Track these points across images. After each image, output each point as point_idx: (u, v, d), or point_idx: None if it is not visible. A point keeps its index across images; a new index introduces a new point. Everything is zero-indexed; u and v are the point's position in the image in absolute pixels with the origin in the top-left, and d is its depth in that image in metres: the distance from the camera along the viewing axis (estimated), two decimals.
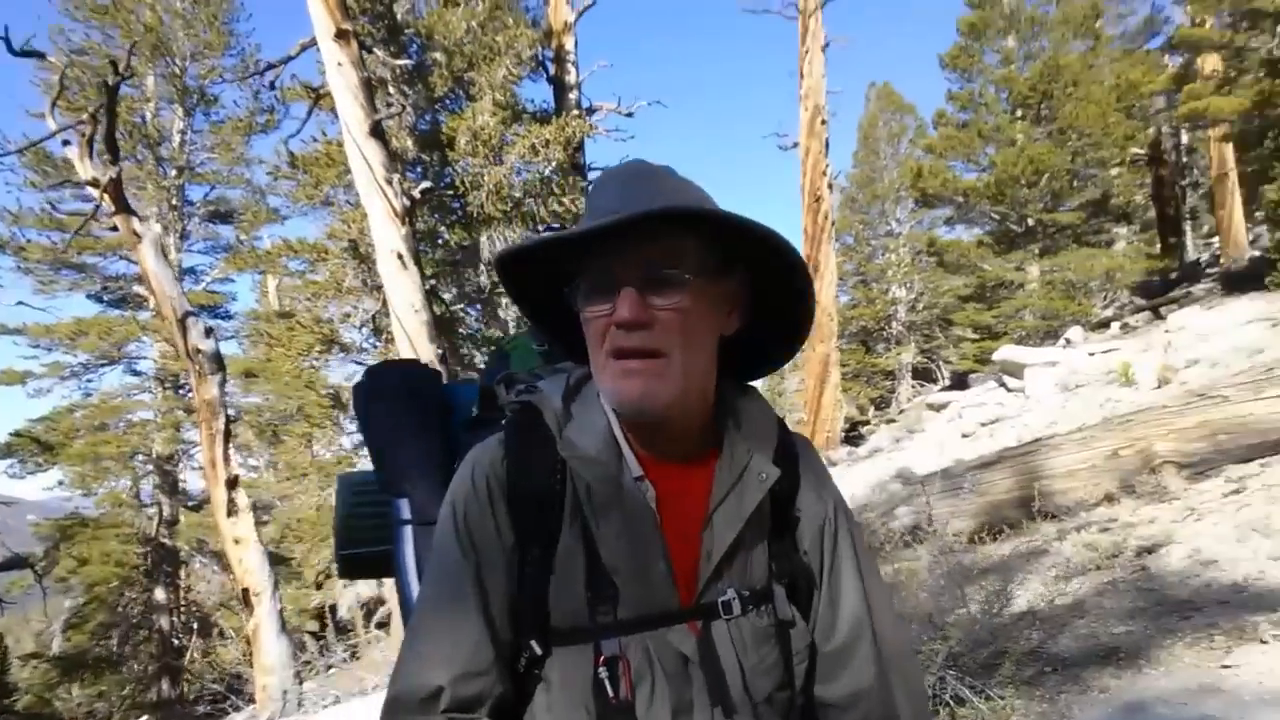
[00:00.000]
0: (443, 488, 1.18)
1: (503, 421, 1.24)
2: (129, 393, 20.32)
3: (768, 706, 1.11)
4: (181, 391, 20.01)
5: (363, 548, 1.56)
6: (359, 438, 14.45)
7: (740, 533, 1.11)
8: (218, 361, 9.43)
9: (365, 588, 12.03)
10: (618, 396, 1.06)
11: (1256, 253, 20.02)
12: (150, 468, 19.84)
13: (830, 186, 20.40)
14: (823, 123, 20.10)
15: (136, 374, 20.72)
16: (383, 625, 12.23)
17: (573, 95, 18.82)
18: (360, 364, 14.36)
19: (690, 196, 1.09)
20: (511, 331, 15.46)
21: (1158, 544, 4.96)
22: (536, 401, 1.18)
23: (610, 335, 1.05)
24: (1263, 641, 3.31)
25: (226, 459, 9.06)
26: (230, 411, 10.36)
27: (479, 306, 15.29)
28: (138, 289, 19.94)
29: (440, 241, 14.47)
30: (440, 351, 11.79)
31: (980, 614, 4.20)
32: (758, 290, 1.16)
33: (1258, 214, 22.27)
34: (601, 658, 1.06)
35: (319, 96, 13.28)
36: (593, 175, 18.41)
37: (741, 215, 1.04)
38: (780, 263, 1.11)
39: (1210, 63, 20.09)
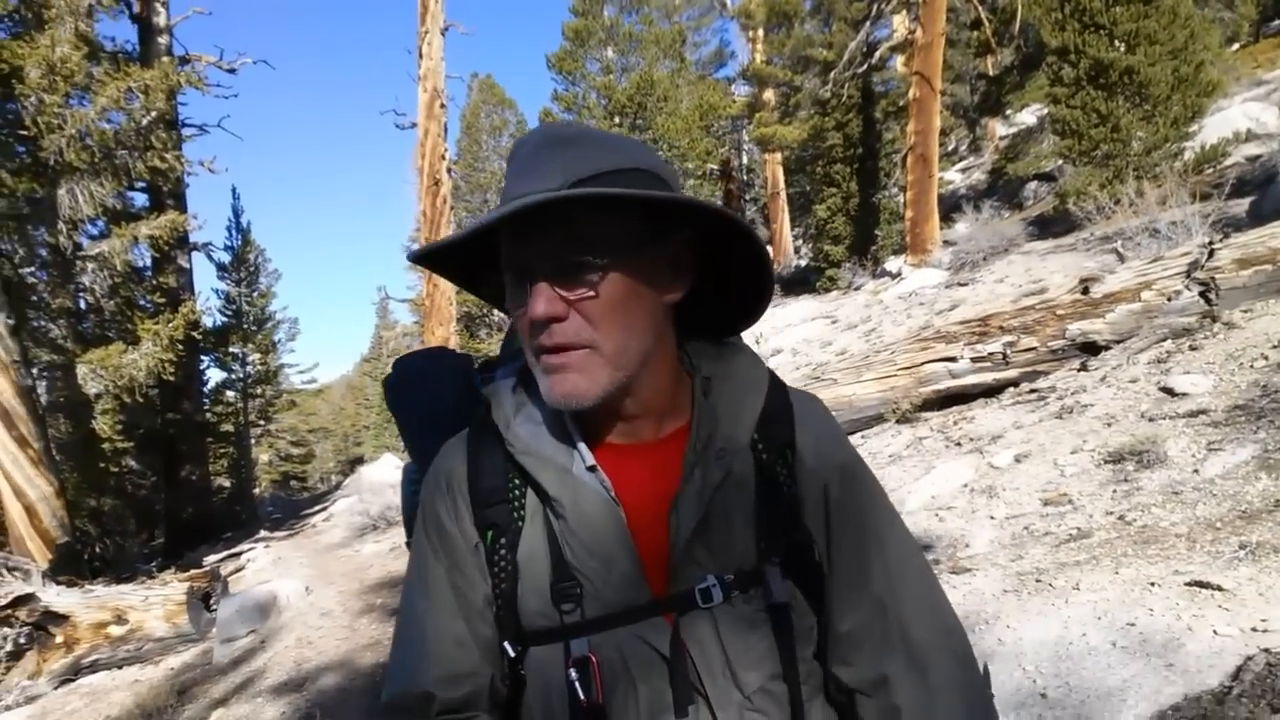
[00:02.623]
0: None
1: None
2: None
3: (766, 698, 1.02)
4: None
5: None
6: None
7: (707, 511, 1.01)
8: None
9: None
10: (548, 395, 0.99)
11: (801, 261, 23.89)
12: None
13: (449, 171, 20.45)
14: (442, 106, 20.01)
15: None
16: None
17: (163, 40, 16.83)
18: None
19: (612, 160, 0.97)
20: (102, 300, 13.44)
21: None
22: (488, 394, 1.12)
23: (531, 331, 0.97)
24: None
25: None
26: None
27: (51, 271, 13.03)
28: None
29: (3, 190, 12.08)
30: (11, 322, 9.99)
31: None
32: (707, 247, 1.05)
33: (797, 229, 26.62)
34: (571, 659, 0.99)
35: None
36: (189, 132, 16.65)
37: (656, 193, 0.95)
38: (718, 222, 1.01)
39: (770, 96, 23.56)
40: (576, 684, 0.98)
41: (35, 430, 10.26)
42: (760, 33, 24.96)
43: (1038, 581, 3.37)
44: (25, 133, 11.69)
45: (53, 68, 11.60)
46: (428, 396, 1.31)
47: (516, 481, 1.06)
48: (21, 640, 8.45)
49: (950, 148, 29.42)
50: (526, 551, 1.03)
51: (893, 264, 16.71)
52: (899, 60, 19.89)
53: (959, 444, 5.98)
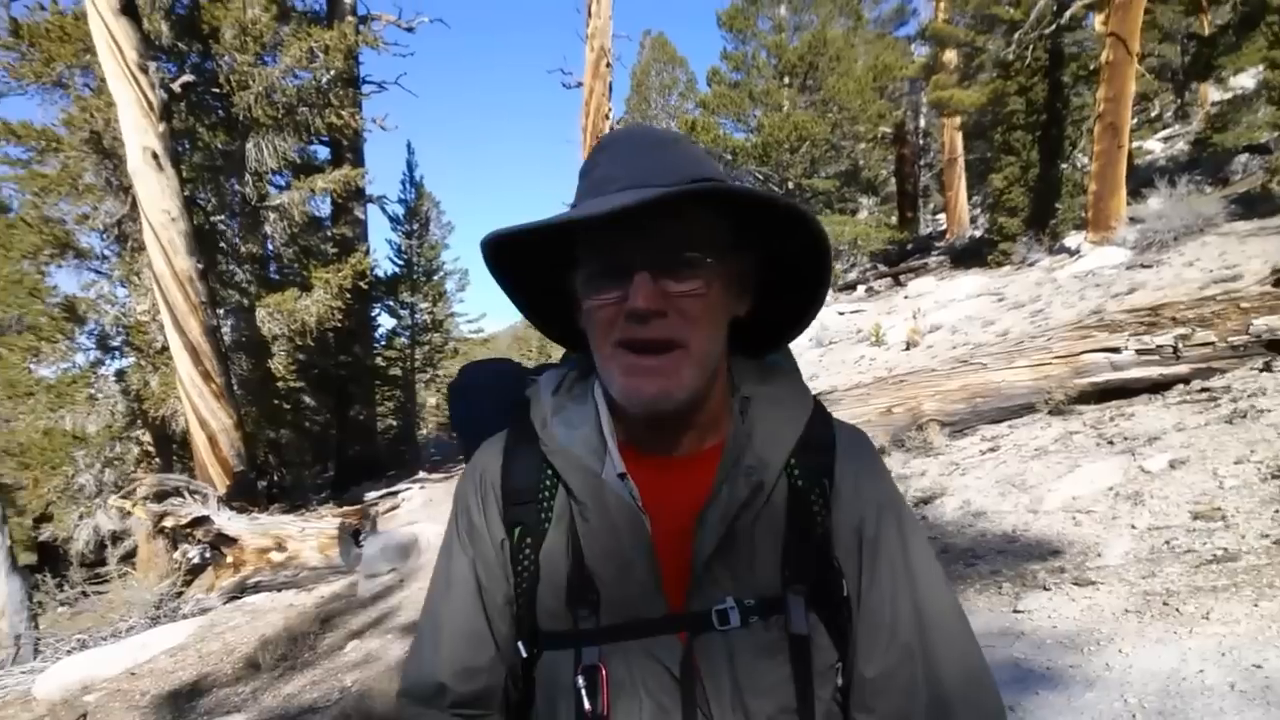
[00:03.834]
0: None
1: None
2: None
3: None
4: None
5: None
6: (96, 354, 12.99)
7: (732, 532, 0.99)
8: None
9: (106, 520, 10.95)
10: (629, 394, 0.98)
11: (976, 232, 22.63)
12: None
13: (612, 130, 20.56)
14: (608, 65, 20.08)
15: None
16: (128, 558, 11.20)
17: (348, 0, 17.63)
18: (100, 272, 12.83)
19: (707, 169, 1.00)
20: (281, 248, 14.43)
21: (933, 495, 5.51)
22: (529, 394, 1.13)
23: (620, 325, 0.96)
24: (1045, 589, 3.72)
25: None
26: None
27: (241, 219, 14.06)
28: None
29: (199, 144, 13.09)
30: (200, 266, 10.82)
31: None
32: (766, 266, 1.07)
33: (975, 198, 25.20)
34: (580, 666, 0.99)
35: None
36: (369, 89, 17.42)
37: (772, 194, 0.98)
38: (798, 241, 1.02)
39: (951, 57, 22.22)
40: (583, 692, 0.98)
41: (218, 367, 11.13)
42: None
43: (1165, 604, 3.04)
44: (218, 90, 12.59)
45: (244, 29, 12.39)
46: (480, 409, 1.30)
47: (548, 482, 1.06)
48: (206, 555, 9.31)
49: (1154, 114, 26.96)
50: (549, 552, 1.04)
51: (1071, 240, 15.56)
52: (1096, 20, 18.34)
53: (1111, 442, 5.49)
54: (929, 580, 1.05)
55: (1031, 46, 16.94)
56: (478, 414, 1.26)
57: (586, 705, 0.97)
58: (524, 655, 1.06)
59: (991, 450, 6.19)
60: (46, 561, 12.90)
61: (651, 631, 0.99)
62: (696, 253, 0.96)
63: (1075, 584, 3.58)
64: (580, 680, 0.98)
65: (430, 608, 1.12)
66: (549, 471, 1.06)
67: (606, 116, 19.93)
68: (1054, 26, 16.71)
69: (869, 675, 1.01)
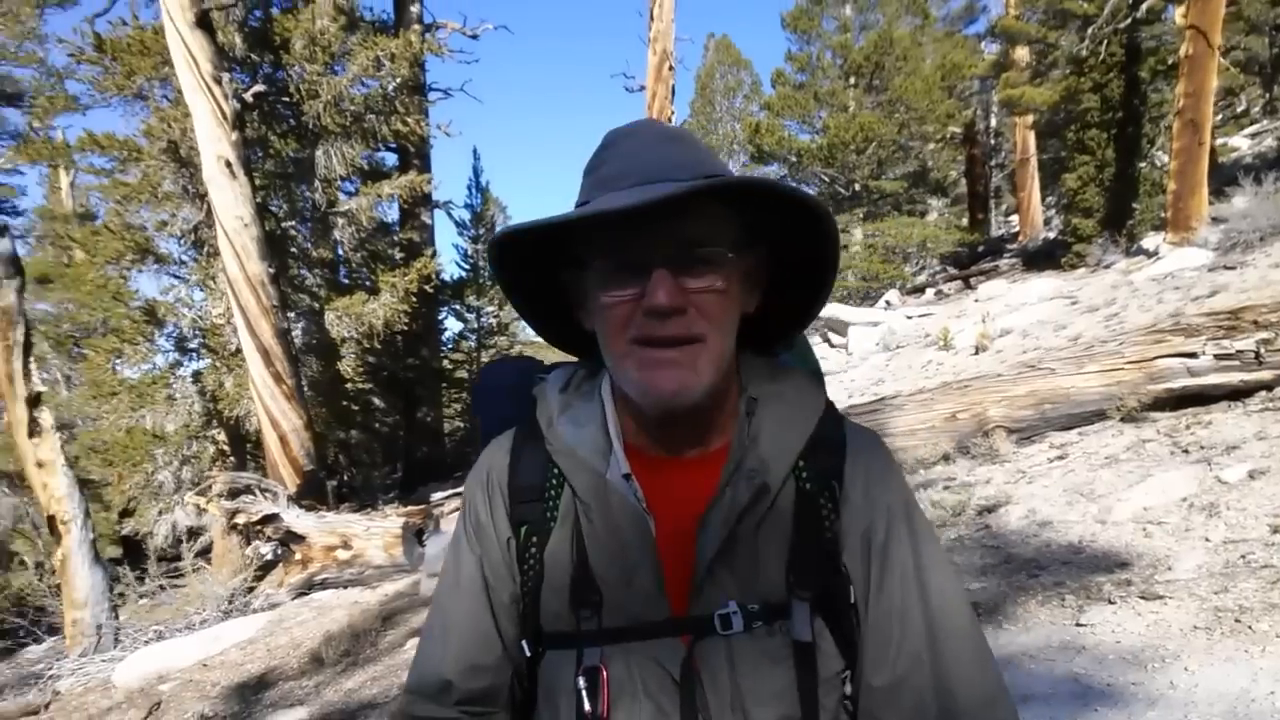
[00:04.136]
0: None
1: None
2: None
3: None
4: None
5: None
6: (174, 356, 13.47)
7: (735, 535, 0.98)
8: (15, 265, 8.42)
9: (184, 516, 11.37)
10: (647, 389, 0.96)
11: (1050, 233, 22.02)
12: None
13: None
14: (670, 68, 20.09)
15: None
16: (204, 553, 11.58)
17: (414, 9, 17.94)
18: (178, 277, 13.32)
19: (715, 164, 1.00)
20: (350, 252, 14.76)
21: (997, 504, 5.32)
22: (536, 393, 1.13)
23: (637, 322, 0.94)
24: (1110, 602, 3.59)
25: (27, 374, 8.15)
26: None
27: (311, 225, 14.44)
28: None
29: (271, 152, 13.50)
30: (272, 270, 11.13)
31: None
32: (774, 261, 1.06)
33: (1049, 198, 24.52)
34: (581, 666, 0.99)
35: None
36: (434, 96, 17.72)
37: (789, 185, 0.97)
38: (808, 235, 1.01)
39: (1022, 54, 21.68)
40: (584, 693, 0.97)
41: (289, 368, 11.44)
42: None
43: (1237, 621, 2.90)
44: (289, 99, 12.95)
45: (313, 39, 12.73)
46: (503, 407, 1.30)
47: (554, 481, 1.06)
48: (278, 552, 9.57)
49: (1240, 109, 25.91)
50: (553, 552, 1.03)
51: (1149, 241, 15.02)
52: (1176, 12, 17.70)
53: (1186, 451, 5.27)
54: (941, 589, 1.01)
55: (1106, 41, 16.42)
56: (500, 412, 1.25)
57: (586, 706, 0.97)
58: (527, 655, 1.05)
59: (1060, 458, 6.00)
60: (130, 555, 13.44)
61: (653, 634, 0.98)
62: (714, 248, 0.95)
63: (1142, 598, 3.44)
64: (581, 681, 0.98)
65: (438, 605, 1.12)
66: (555, 470, 1.05)
67: (669, 120, 19.95)
68: (1130, 20, 16.17)
69: (876, 685, 0.99)
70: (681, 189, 0.88)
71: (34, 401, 8.24)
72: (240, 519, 9.11)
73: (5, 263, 8.30)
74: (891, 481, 1.06)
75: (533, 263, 1.06)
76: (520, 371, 1.31)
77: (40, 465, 8.17)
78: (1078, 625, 3.46)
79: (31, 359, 8.36)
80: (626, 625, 0.99)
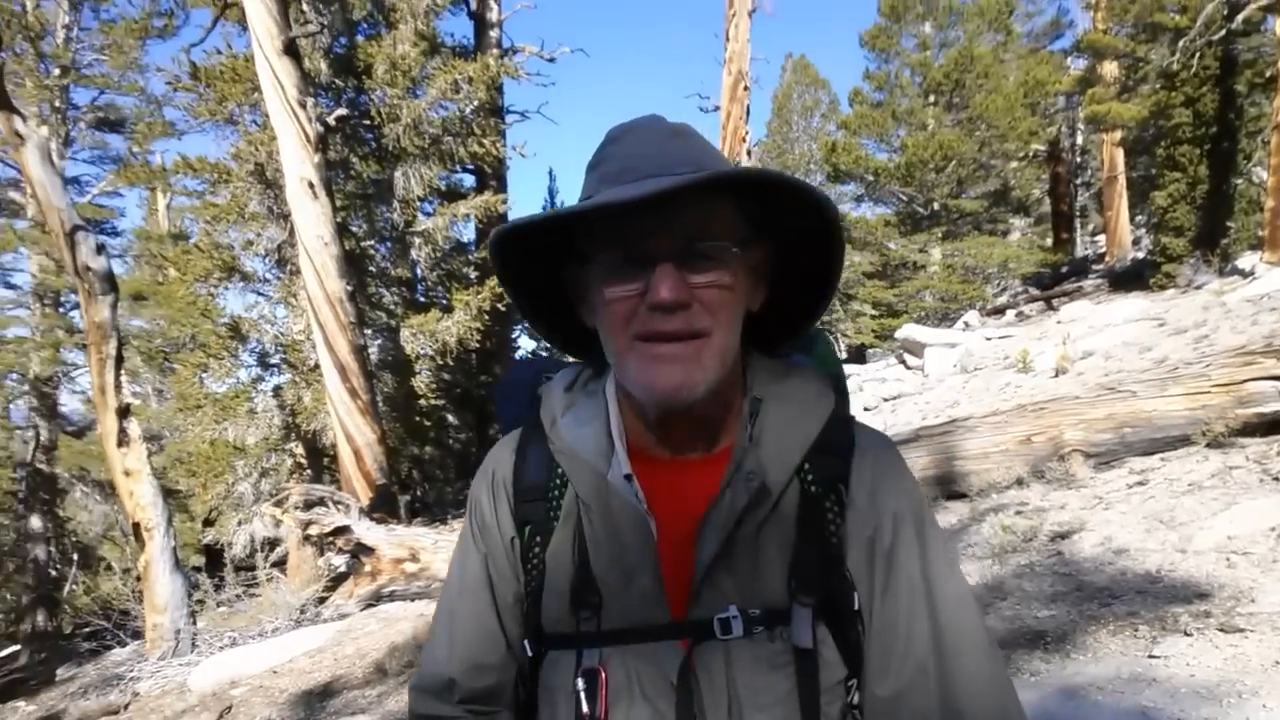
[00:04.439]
0: None
1: None
2: (3, 307, 18.99)
3: None
4: (63, 309, 18.83)
5: None
6: (256, 371, 13.95)
7: (735, 538, 0.97)
8: (110, 281, 8.83)
9: (261, 526, 11.70)
10: (649, 384, 0.95)
11: (1139, 253, 21.25)
12: (25, 388, 18.62)
13: (749, 154, 20.51)
14: (745, 89, 20.09)
15: (11, 287, 19.44)
16: (279, 565, 11.90)
17: (494, 33, 18.32)
18: (262, 294, 13.82)
19: (719, 159, 1.01)
20: (426, 271, 15.10)
21: (1071, 530, 5.13)
22: (541, 391, 1.13)
23: (640, 317, 0.94)
24: (1186, 634, 3.43)
25: (118, 385, 8.54)
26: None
27: (389, 244, 14.82)
28: (14, 195, 18.56)
29: (352, 173, 13.92)
30: (350, 288, 11.43)
31: None
32: (779, 258, 1.06)
33: (1139, 217, 23.66)
34: (580, 668, 0.99)
35: (226, 5, 12.54)
36: (511, 119, 18.03)
37: (796, 178, 0.95)
38: (813, 230, 1.00)
39: (1110, 69, 21.01)
40: (582, 694, 0.97)
41: (364, 384, 11.71)
42: None
43: None
44: (370, 122, 13.35)
45: (394, 64, 13.11)
46: (523, 407, 1.29)
47: (558, 481, 1.05)
48: (350, 564, 9.77)
49: None
50: (555, 552, 1.03)
51: (1245, 261, 14.42)
52: (1276, 23, 16.95)
53: (1276, 479, 5.00)
54: (949, 597, 0.99)
55: (1199, 54, 15.81)
56: (517, 412, 1.25)
57: (584, 708, 0.96)
58: (529, 654, 1.05)
59: (1139, 484, 5.74)
60: (211, 564, 13.89)
61: (652, 637, 0.97)
62: (719, 242, 0.94)
63: (1221, 630, 3.26)
64: (580, 682, 0.97)
65: (444, 604, 1.13)
66: (559, 470, 1.05)
67: (743, 139, 19.91)
68: (1224, 32, 15.55)
69: (880, 695, 0.97)
70: (684, 180, 0.87)
71: (123, 412, 8.60)
72: (313, 530, 9.32)
73: (101, 279, 8.70)
74: (900, 486, 1.04)
75: (537, 259, 1.05)
76: (539, 371, 1.31)
77: (127, 474, 8.51)
78: (1150, 657, 3.32)
79: (122, 372, 8.73)
80: (626, 627, 0.98)
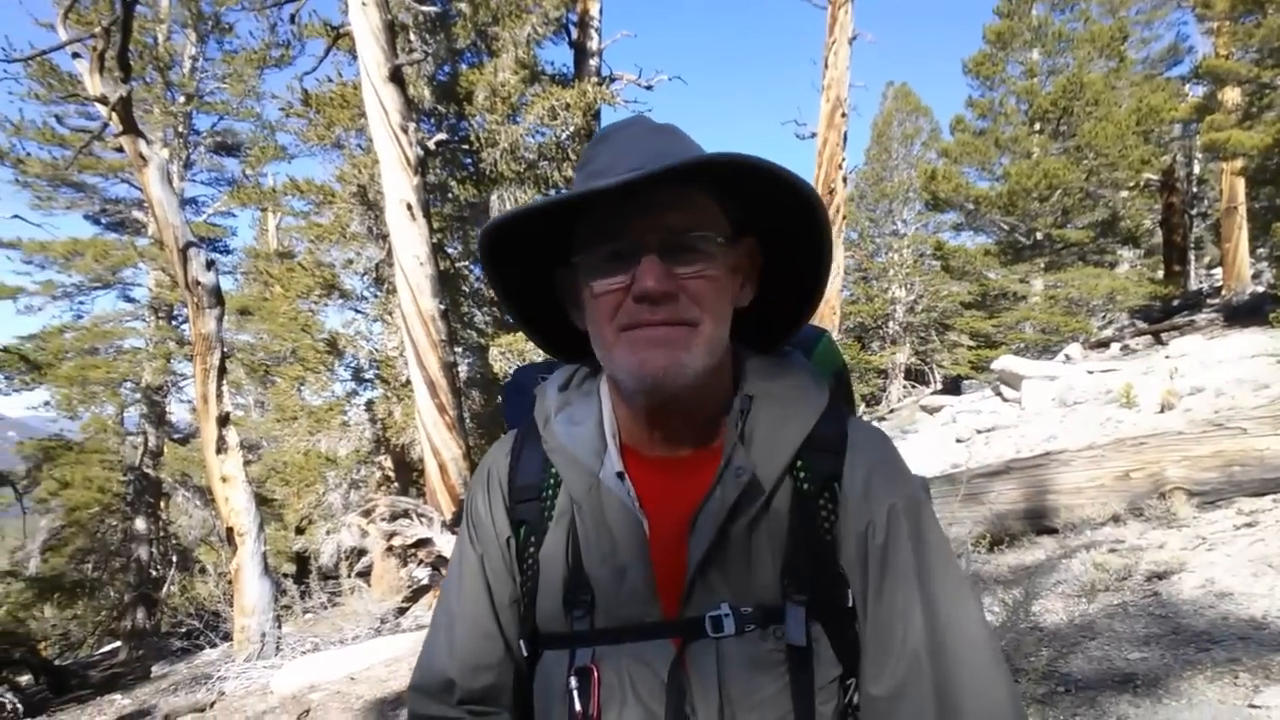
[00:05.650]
0: None
1: None
2: (121, 319, 20.03)
3: None
4: (175, 322, 19.81)
5: None
6: (351, 385, 14.39)
7: (726, 536, 0.95)
8: (217, 296, 9.29)
9: (348, 536, 12.03)
10: (637, 369, 0.94)
11: (1259, 287, 20.11)
12: (138, 396, 19.60)
13: (845, 180, 20.27)
14: (843, 115, 19.86)
15: (130, 300, 20.40)
16: (363, 575, 12.19)
17: (593, 62, 18.61)
18: (359, 311, 14.27)
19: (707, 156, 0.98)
20: None
21: (1169, 570, 4.87)
22: (537, 391, 1.14)
23: (627, 309, 0.94)
24: None
25: (219, 395, 8.94)
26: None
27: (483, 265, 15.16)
28: (137, 214, 19.70)
29: (450, 196, 14.31)
30: (443, 307, 11.70)
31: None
32: (764, 258, 1.06)
33: (1259, 250, 22.41)
34: (573, 667, 0.99)
35: (338, 36, 13.10)
36: None
37: (777, 165, 0.93)
38: (799, 226, 1.00)
39: (1231, 96, 20.04)
40: (575, 693, 0.97)
41: (452, 400, 11.93)
42: (1224, 23, 21.40)
43: None
44: (468, 147, 13.71)
45: (494, 91, 13.44)
46: (523, 408, 1.30)
47: (551, 481, 1.06)
48: (432, 576, 9.94)
49: None
50: (548, 552, 1.04)
51: None
52: None
53: None
54: (945, 593, 0.97)
55: None
56: (521, 413, 1.25)
57: (577, 707, 0.97)
58: (525, 654, 1.06)
59: (1248, 525, 5.39)
60: (302, 571, 14.33)
61: (645, 636, 0.97)
62: (703, 233, 0.95)
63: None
64: (573, 681, 0.98)
65: (443, 604, 1.13)
66: (552, 469, 1.05)
67: (840, 166, 19.68)
68: None
69: (875, 693, 0.97)
70: (654, 169, 0.87)
71: (223, 421, 8.98)
72: (396, 541, 9.52)
73: (209, 293, 9.14)
74: (895, 482, 1.02)
75: (528, 261, 1.07)
76: (543, 373, 1.30)
77: (224, 480, 8.86)
78: (1250, 706, 3.14)
79: (225, 383, 9.12)
80: (618, 626, 0.98)
